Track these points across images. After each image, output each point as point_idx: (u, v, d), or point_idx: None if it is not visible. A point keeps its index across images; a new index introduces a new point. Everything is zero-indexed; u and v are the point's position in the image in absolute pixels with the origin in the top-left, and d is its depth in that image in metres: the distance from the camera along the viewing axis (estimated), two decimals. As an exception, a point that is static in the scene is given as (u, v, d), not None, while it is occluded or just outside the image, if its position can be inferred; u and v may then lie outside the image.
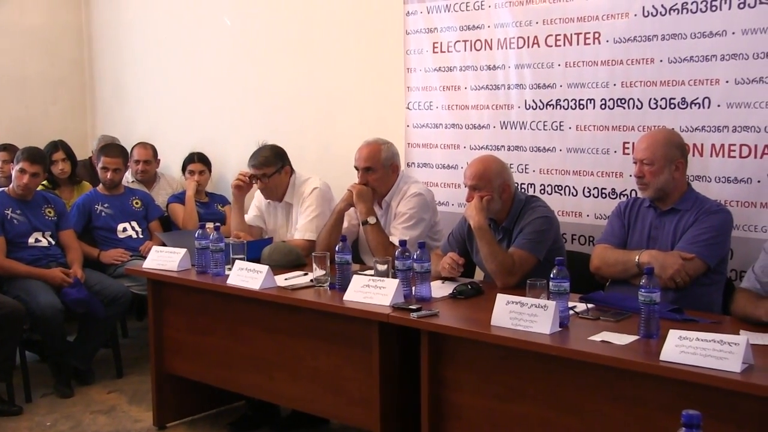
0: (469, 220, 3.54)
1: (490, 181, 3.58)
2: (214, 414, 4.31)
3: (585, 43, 4.13)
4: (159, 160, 5.93)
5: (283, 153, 4.51)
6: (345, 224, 4.21)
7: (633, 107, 4.01)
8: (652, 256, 3.26)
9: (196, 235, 3.88)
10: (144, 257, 4.56)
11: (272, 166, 4.42)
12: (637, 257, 3.31)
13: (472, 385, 2.97)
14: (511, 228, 3.62)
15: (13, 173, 4.72)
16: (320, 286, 3.50)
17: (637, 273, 3.21)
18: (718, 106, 3.76)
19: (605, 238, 3.57)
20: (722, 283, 3.40)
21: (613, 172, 4.13)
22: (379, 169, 4.14)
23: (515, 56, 4.39)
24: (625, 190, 4.08)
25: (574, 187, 4.27)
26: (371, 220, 3.99)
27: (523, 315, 2.82)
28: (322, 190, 4.45)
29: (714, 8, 3.72)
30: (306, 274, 3.72)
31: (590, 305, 3.09)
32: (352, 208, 4.14)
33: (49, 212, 4.83)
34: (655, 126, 3.89)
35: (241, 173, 4.48)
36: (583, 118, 4.19)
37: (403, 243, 3.39)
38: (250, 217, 4.61)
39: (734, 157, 3.73)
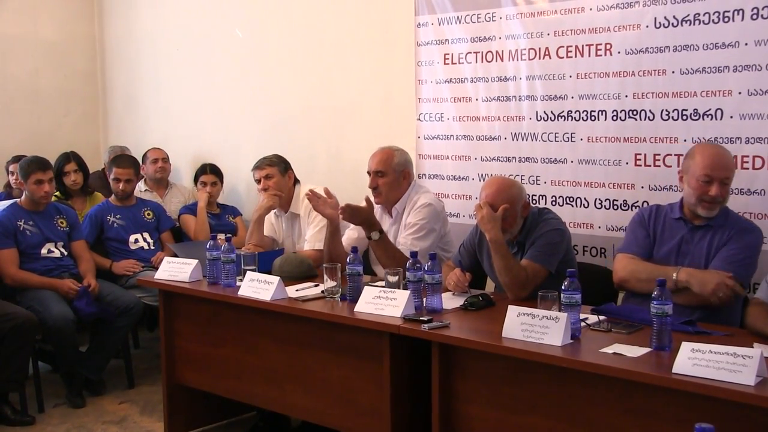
0: (485, 234, 3.51)
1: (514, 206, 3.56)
2: (225, 425, 4.31)
3: (596, 55, 4.13)
4: (170, 164, 6.04)
5: (286, 160, 4.66)
6: (356, 235, 4.21)
7: (644, 119, 4.01)
8: (690, 274, 3.16)
9: (208, 246, 3.89)
10: (155, 268, 4.58)
11: (276, 167, 4.55)
12: (674, 274, 3.19)
13: (483, 397, 2.96)
14: (524, 241, 3.60)
15: (28, 187, 4.71)
16: (331, 298, 3.50)
17: (672, 289, 3.11)
18: (731, 117, 3.75)
19: (628, 248, 3.45)
20: (742, 297, 3.36)
21: (624, 184, 4.12)
22: (390, 174, 4.13)
23: (526, 68, 4.39)
24: (637, 201, 4.07)
25: (585, 199, 4.26)
26: (374, 235, 3.95)
27: (534, 327, 2.81)
28: None
29: (726, 19, 3.71)
30: (317, 286, 3.72)
31: (602, 317, 3.07)
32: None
33: (62, 223, 4.85)
34: (666, 138, 3.89)
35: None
36: (594, 130, 4.19)
37: (414, 254, 3.39)
38: (264, 227, 4.64)
39: (747, 168, 3.72)
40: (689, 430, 1.73)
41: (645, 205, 3.98)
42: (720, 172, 3.24)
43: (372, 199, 4.06)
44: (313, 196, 4.14)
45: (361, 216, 3.95)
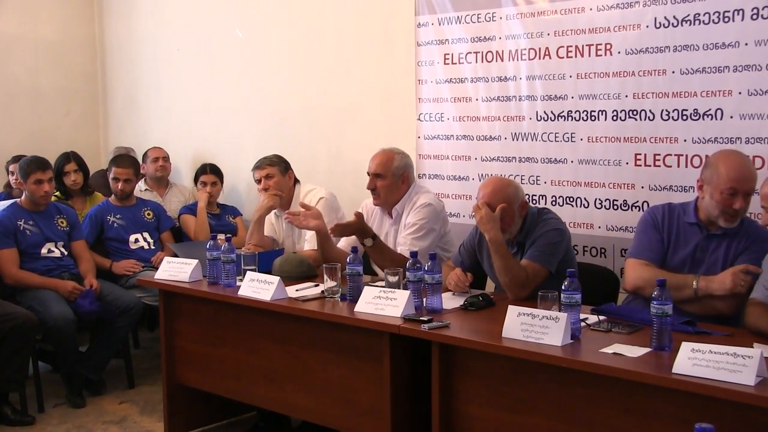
0: (484, 234, 3.51)
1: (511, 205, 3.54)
2: (225, 425, 4.31)
3: (596, 55, 4.13)
4: (171, 164, 6.05)
5: (286, 160, 4.68)
6: (356, 236, 4.22)
7: (645, 119, 4.01)
8: (709, 280, 3.10)
9: (208, 246, 3.89)
10: (156, 268, 4.58)
11: (276, 167, 4.57)
12: (694, 282, 3.11)
13: (483, 397, 2.96)
14: (524, 241, 3.60)
15: (28, 187, 4.71)
16: (331, 298, 3.50)
17: (691, 298, 3.10)
18: (731, 117, 3.75)
19: (640, 253, 3.32)
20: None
21: (624, 184, 4.12)
22: (389, 177, 4.13)
23: (526, 68, 4.39)
24: (637, 201, 4.07)
25: (585, 199, 4.27)
26: (368, 242, 3.93)
27: (534, 327, 2.81)
28: (329, 200, 4.48)
29: (726, 19, 3.72)
30: (317, 286, 3.72)
31: (602, 317, 3.07)
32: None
33: (62, 222, 4.85)
34: (666, 138, 3.89)
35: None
36: (594, 130, 4.19)
37: (414, 254, 3.38)
38: (264, 227, 4.64)
39: (747, 168, 3.71)
40: (689, 430, 1.73)
41: (645, 205, 3.98)
42: (745, 184, 3.13)
43: (361, 210, 4.09)
44: (292, 218, 4.12)
45: (351, 229, 3.97)
